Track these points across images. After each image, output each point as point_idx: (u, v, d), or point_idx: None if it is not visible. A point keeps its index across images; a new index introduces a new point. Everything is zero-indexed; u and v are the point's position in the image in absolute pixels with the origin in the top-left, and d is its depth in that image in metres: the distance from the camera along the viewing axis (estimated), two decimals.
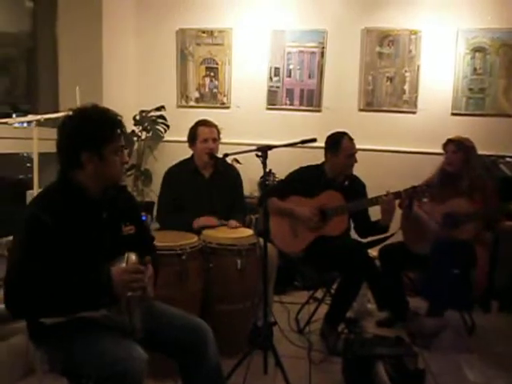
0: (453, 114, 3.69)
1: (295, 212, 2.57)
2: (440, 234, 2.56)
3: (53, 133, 1.47)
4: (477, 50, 3.63)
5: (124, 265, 1.35)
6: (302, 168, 2.74)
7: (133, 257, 1.38)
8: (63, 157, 1.43)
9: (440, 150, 2.78)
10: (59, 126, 1.44)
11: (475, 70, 3.65)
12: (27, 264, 1.28)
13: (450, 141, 2.71)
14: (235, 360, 2.07)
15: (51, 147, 1.48)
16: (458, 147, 2.64)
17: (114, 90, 3.53)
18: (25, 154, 2.92)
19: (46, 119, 2.27)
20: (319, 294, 2.93)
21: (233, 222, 2.52)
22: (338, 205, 2.54)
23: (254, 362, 2.23)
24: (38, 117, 2.22)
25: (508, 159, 3.39)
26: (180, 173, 2.63)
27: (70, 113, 1.44)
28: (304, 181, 2.66)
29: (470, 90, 3.65)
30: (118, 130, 1.44)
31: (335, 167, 2.64)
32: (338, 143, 2.58)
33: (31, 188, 2.32)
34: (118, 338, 1.35)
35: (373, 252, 2.80)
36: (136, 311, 1.39)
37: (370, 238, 2.69)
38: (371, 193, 2.68)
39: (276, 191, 2.69)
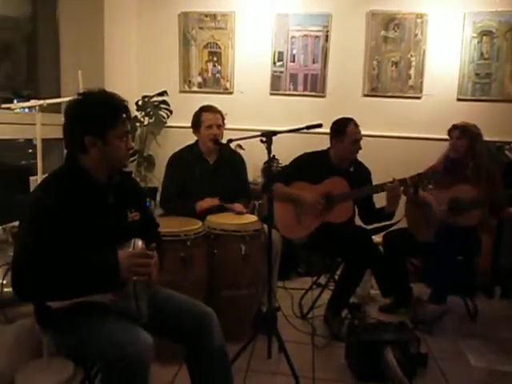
0: (458, 100, 3.63)
1: (301, 197, 2.56)
2: (444, 220, 2.55)
3: (55, 118, 1.45)
4: (484, 33, 3.56)
5: (131, 250, 1.35)
6: (306, 154, 2.72)
7: (139, 242, 1.38)
8: (68, 140, 1.44)
9: (445, 136, 2.75)
10: (65, 109, 1.44)
11: (482, 54, 3.58)
12: (34, 247, 1.27)
13: (454, 126, 2.68)
14: (240, 345, 2.08)
15: (53, 133, 1.47)
16: (463, 133, 2.62)
17: (116, 75, 3.48)
18: (21, 140, 2.90)
19: (49, 104, 2.24)
20: (322, 279, 2.95)
21: (238, 205, 2.53)
22: (343, 191, 2.53)
23: (258, 346, 2.26)
24: (41, 102, 2.19)
25: None
26: (185, 158, 2.62)
27: (79, 97, 1.43)
28: (309, 167, 2.64)
29: (477, 75, 3.59)
30: (123, 115, 1.43)
31: (340, 153, 2.62)
32: (344, 129, 2.56)
33: (34, 174, 2.31)
34: (124, 322, 1.35)
35: (377, 238, 2.80)
36: (142, 296, 1.40)
37: (374, 225, 2.68)
38: (376, 179, 2.66)
39: (281, 177, 2.67)
